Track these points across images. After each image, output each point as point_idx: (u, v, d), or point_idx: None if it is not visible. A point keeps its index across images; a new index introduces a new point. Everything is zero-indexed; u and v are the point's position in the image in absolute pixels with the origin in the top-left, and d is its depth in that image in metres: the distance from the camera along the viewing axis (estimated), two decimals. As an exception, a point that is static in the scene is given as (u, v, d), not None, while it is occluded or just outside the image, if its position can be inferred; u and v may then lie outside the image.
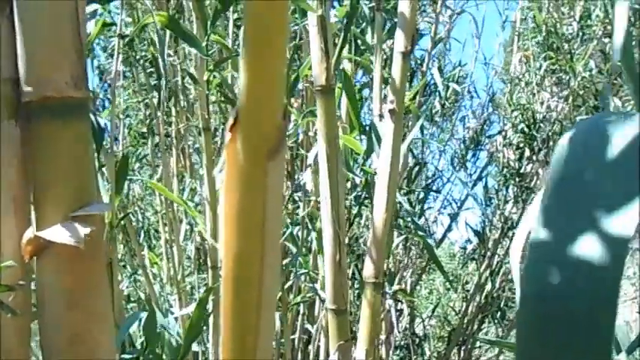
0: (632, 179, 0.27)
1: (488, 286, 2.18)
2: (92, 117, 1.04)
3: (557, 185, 0.29)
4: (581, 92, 1.86)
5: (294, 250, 1.63)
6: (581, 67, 1.85)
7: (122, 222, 1.71)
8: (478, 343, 2.24)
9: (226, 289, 0.23)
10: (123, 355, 1.10)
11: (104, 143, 1.31)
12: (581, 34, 1.95)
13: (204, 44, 1.35)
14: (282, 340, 1.72)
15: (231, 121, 0.21)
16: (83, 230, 0.37)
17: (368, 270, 0.95)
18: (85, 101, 0.42)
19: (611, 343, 0.25)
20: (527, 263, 0.28)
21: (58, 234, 0.37)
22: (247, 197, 0.21)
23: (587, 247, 0.26)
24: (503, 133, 2.05)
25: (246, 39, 0.20)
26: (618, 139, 0.30)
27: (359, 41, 1.48)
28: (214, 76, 1.63)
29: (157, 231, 2.25)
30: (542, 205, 0.29)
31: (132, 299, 2.15)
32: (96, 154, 1.03)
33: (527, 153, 2.01)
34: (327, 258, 0.90)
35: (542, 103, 1.98)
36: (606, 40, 1.94)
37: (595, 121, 0.32)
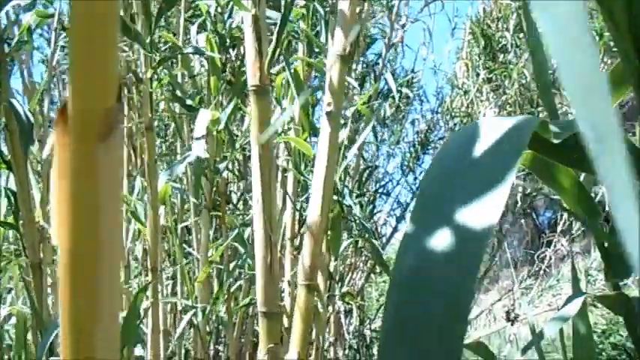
0: (494, 171, 0.27)
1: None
2: (22, 112, 1.00)
3: (429, 181, 0.30)
4: (518, 99, 1.91)
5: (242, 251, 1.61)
6: (516, 76, 1.90)
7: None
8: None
9: (63, 283, 0.21)
10: None
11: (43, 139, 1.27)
12: (515, 45, 2.01)
13: (147, 41, 1.32)
14: (228, 342, 1.70)
15: (62, 103, 0.20)
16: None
17: (301, 273, 0.95)
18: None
19: (464, 333, 0.25)
20: (396, 260, 0.28)
21: None
22: (77, 183, 0.20)
23: (449, 238, 0.26)
24: (445, 139, 2.08)
25: (72, 12, 0.19)
26: (489, 138, 0.30)
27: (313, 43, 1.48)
28: (163, 74, 1.60)
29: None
30: (415, 202, 0.29)
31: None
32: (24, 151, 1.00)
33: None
34: (259, 260, 0.89)
35: (480, 112, 2.03)
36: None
37: (476, 124, 0.32)
